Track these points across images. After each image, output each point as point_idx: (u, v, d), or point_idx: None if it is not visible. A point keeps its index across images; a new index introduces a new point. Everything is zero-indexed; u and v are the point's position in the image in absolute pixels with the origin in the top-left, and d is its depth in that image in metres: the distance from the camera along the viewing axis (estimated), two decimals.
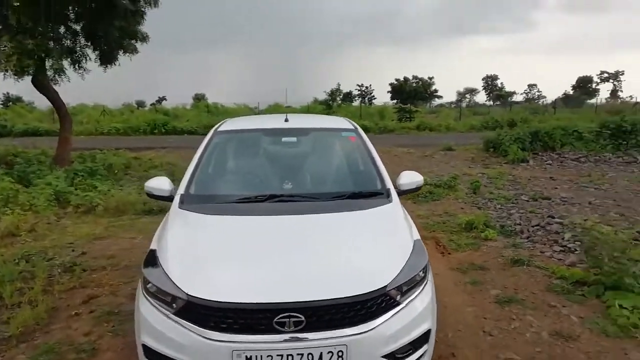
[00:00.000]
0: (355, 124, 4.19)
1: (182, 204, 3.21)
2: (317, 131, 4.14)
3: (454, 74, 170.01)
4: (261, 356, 2.28)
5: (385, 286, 2.46)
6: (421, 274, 2.66)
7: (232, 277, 2.49)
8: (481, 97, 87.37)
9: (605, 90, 77.50)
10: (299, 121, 4.29)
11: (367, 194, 3.33)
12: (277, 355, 2.28)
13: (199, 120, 27.15)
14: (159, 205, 7.88)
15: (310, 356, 2.29)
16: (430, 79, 74.17)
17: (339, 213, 3.04)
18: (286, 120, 4.08)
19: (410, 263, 2.65)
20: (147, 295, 2.59)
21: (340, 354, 2.31)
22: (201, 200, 3.26)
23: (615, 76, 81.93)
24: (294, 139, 3.93)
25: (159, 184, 3.55)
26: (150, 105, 48.02)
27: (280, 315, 2.29)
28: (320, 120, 4.65)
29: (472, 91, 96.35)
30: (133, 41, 11.80)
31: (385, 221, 3.07)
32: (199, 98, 63.73)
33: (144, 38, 11.90)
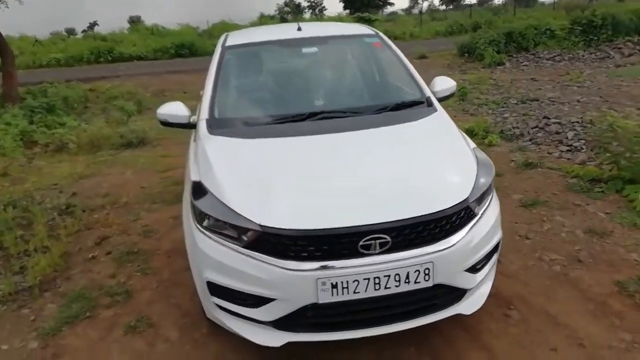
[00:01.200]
0: (375, 29, 3.81)
1: (212, 130, 2.85)
2: (338, 39, 3.73)
3: None
4: (347, 281, 2.11)
5: (467, 198, 2.30)
6: (491, 183, 2.51)
7: (305, 202, 2.24)
8: (434, 1, 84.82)
9: None
10: (313, 29, 3.85)
11: (409, 104, 3.07)
12: (364, 279, 2.12)
13: (147, 44, 25.14)
14: (139, 137, 7.37)
15: (397, 277, 2.15)
16: None
17: (390, 126, 2.78)
18: (299, 29, 3.64)
19: (480, 173, 2.49)
20: (204, 231, 2.32)
21: (426, 271, 2.17)
22: (233, 124, 2.90)
23: None
24: (314, 49, 3.52)
25: (175, 109, 3.14)
26: (82, 32, 43.90)
27: (366, 238, 2.10)
28: (335, 27, 4.22)
29: None
30: None
31: (441, 132, 2.85)
32: (134, 21, 59.17)
33: None
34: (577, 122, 6.50)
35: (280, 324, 2.23)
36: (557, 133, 6.19)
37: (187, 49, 21.90)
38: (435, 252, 2.19)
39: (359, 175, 2.39)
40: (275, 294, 2.16)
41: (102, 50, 21.94)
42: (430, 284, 2.20)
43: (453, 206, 2.23)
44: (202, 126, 2.91)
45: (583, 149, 5.51)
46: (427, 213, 2.17)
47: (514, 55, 13.14)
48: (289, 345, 2.24)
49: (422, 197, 2.25)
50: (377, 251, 2.13)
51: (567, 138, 5.88)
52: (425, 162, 2.52)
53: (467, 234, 2.29)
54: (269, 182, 2.37)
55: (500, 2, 61.25)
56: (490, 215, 2.45)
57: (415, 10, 75.17)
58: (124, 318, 2.97)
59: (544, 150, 5.66)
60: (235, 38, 3.63)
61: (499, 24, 18.32)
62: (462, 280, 2.33)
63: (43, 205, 4.77)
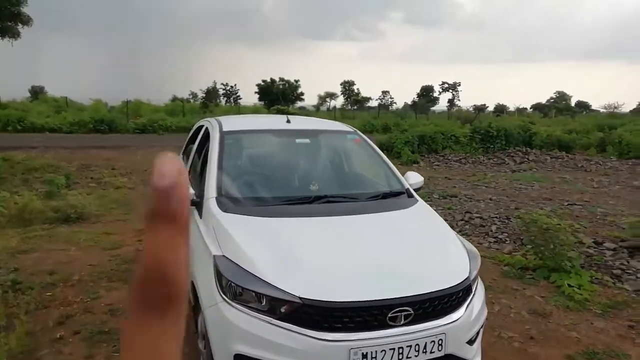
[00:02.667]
0: (353, 127, 4.34)
1: (223, 207, 3.02)
2: (325, 133, 4.18)
3: (312, 78, 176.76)
4: (376, 351, 2.33)
5: (468, 277, 2.69)
6: (479, 263, 2.95)
7: (339, 276, 2.48)
8: (340, 101, 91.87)
9: (445, 99, 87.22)
10: (301, 123, 4.28)
11: (395, 194, 3.52)
12: (390, 349, 2.35)
13: (62, 117, 24.17)
14: (77, 212, 7.04)
15: (417, 347, 2.41)
16: (297, 81, 76.24)
17: (387, 212, 3.18)
18: (288, 121, 4.05)
19: (470, 254, 2.92)
20: (235, 303, 2.43)
21: (440, 342, 2.47)
22: (243, 203, 3.10)
23: (453, 87, 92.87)
24: (307, 140, 3.92)
25: None
26: None
27: (394, 310, 2.37)
28: (319, 122, 4.68)
29: (332, 95, 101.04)
30: None
31: (430, 220, 3.30)
32: (37, 91, 56.69)
33: None
34: (496, 217, 7.44)
35: None
36: (482, 226, 7.03)
37: (106, 125, 21.37)
38: (447, 323, 2.51)
39: (378, 254, 2.71)
40: None
41: (12, 118, 20.65)
42: (442, 354, 2.48)
43: (460, 283, 2.61)
44: (213, 204, 3.07)
45: (507, 240, 6.32)
46: (442, 288, 2.52)
47: (426, 156, 14.72)
48: None
49: (435, 275, 2.61)
50: (401, 323, 2.40)
51: (491, 231, 6.72)
52: (428, 245, 2.92)
53: (467, 308, 2.65)
54: (298, 258, 2.59)
55: (397, 108, 68.35)
56: (480, 293, 2.86)
57: (323, 108, 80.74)
58: None
59: (474, 241, 6.38)
60: (229, 124, 3.91)
61: (404, 127, 20.37)
62: (465, 351, 2.64)
63: None
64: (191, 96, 70.20)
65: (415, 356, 2.41)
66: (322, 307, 2.32)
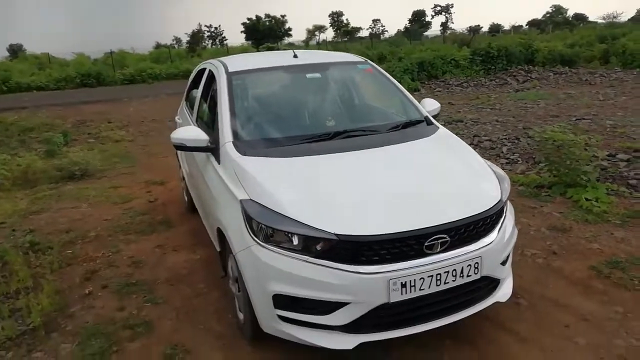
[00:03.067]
0: (363, 57, 4.14)
1: (242, 151, 2.91)
2: (335, 65, 3.98)
3: (299, 12, 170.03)
4: (415, 280, 2.31)
5: (501, 199, 2.63)
6: (509, 185, 2.89)
7: (372, 210, 2.42)
8: (329, 34, 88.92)
9: (437, 22, 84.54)
10: (308, 57, 4.07)
11: (414, 122, 3.40)
12: (428, 276, 2.34)
13: (47, 73, 23.42)
14: (82, 169, 6.95)
15: (454, 272, 2.39)
16: (283, 17, 73.55)
17: (411, 142, 3.07)
18: (295, 56, 3.84)
19: (499, 177, 2.85)
20: (268, 245, 2.39)
21: (476, 265, 2.45)
22: (263, 145, 2.99)
23: (446, 9, 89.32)
24: (318, 75, 3.73)
25: (193, 134, 3.17)
26: None
27: (431, 239, 2.33)
28: (326, 55, 4.46)
29: (321, 28, 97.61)
30: None
31: (453, 144, 3.21)
32: (15, 50, 54.91)
33: None
34: (505, 138, 7.35)
35: (351, 326, 2.35)
36: (492, 149, 6.95)
37: (94, 79, 20.78)
38: (482, 247, 2.48)
39: (408, 184, 2.63)
40: (349, 298, 2.29)
41: None
42: (479, 276, 2.47)
43: (493, 206, 2.56)
44: (230, 148, 2.95)
45: (519, 160, 6.27)
46: (476, 213, 2.47)
47: (426, 83, 14.39)
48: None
49: (468, 200, 2.55)
50: (438, 250, 2.37)
51: (502, 152, 6.65)
52: (457, 170, 2.84)
53: (500, 230, 2.62)
54: (328, 196, 2.51)
55: (389, 36, 66.34)
56: (510, 215, 2.82)
57: (313, 42, 78.38)
58: (156, 348, 2.87)
59: None
60: (235, 64, 3.72)
61: (400, 54, 19.81)
62: (499, 271, 2.64)
63: (2, 246, 4.35)
64: (175, 42, 68.08)
65: (453, 281, 2.40)
66: (359, 242, 2.27)
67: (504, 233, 2.64)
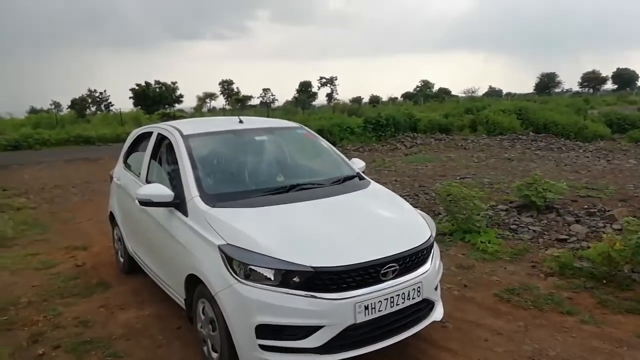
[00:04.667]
0: (299, 123, 4.78)
1: (211, 203, 3.27)
2: (278, 130, 4.54)
3: (189, 80, 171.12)
4: (374, 302, 2.83)
5: (431, 234, 3.31)
6: (433, 224, 3.59)
7: (338, 245, 2.92)
8: (220, 102, 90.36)
9: (323, 93, 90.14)
10: (253, 122, 4.59)
11: (350, 177, 4.03)
12: (384, 299, 2.87)
13: None
14: None
15: (403, 294, 2.96)
16: (174, 83, 73.43)
17: (351, 193, 3.68)
18: (240, 121, 4.35)
19: (426, 218, 3.55)
20: (248, 281, 2.76)
21: (418, 289, 3.04)
22: (228, 198, 3.37)
23: (331, 81, 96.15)
24: (265, 137, 4.25)
25: (158, 190, 3.47)
26: None
27: (385, 267, 2.88)
28: (269, 121, 4.98)
29: (212, 96, 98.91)
30: None
31: (386, 194, 3.89)
32: None
33: None
34: (407, 195, 8.37)
35: (325, 348, 2.76)
36: None
37: None
38: (422, 273, 3.10)
39: (360, 225, 3.20)
40: (324, 322, 2.73)
41: None
42: (420, 298, 3.07)
43: (427, 240, 3.22)
44: (198, 202, 3.31)
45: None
46: (417, 245, 3.10)
47: None
48: None
49: (410, 236, 3.18)
50: (391, 277, 2.93)
51: None
52: (395, 213, 3.50)
53: (432, 260, 3.27)
54: (298, 236, 2.98)
55: (278, 106, 69.40)
56: (437, 251, 3.50)
57: (204, 109, 78.90)
58: None
59: None
60: (187, 128, 4.09)
61: (296, 121, 21.02)
62: (433, 295, 3.26)
63: None
64: (53, 106, 64.32)
65: (402, 302, 2.96)
66: (332, 272, 2.75)
67: (435, 262, 3.30)
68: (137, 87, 67.60)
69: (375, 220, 3.38)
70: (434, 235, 3.42)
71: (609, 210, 6.65)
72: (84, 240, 6.48)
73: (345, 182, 3.93)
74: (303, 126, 4.70)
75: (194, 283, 3.22)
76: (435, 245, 3.50)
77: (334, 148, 4.48)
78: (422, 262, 3.16)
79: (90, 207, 8.65)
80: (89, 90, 68.72)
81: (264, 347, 2.78)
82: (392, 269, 2.92)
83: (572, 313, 3.91)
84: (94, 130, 22.51)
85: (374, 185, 4.00)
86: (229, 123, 4.42)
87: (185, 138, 3.89)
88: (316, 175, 4.08)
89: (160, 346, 3.60)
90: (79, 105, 54.58)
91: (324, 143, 4.51)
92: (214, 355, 3.11)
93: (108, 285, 4.84)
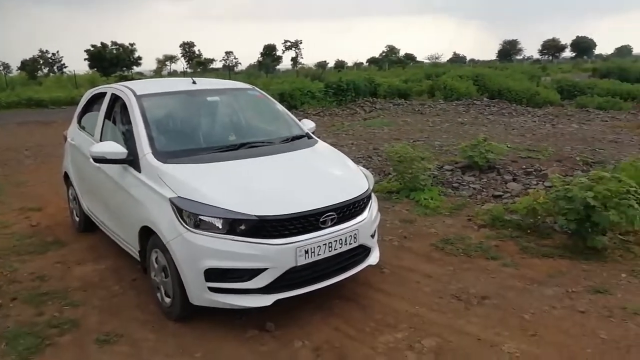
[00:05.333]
0: (251, 85, 4.94)
1: (163, 160, 3.45)
2: (230, 91, 4.71)
3: (148, 41, 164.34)
4: (314, 247, 3.13)
5: (369, 188, 3.62)
6: (373, 180, 3.90)
7: (281, 196, 3.18)
8: (181, 65, 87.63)
9: (288, 57, 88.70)
10: (206, 83, 4.72)
11: (299, 137, 4.27)
12: (323, 244, 3.17)
13: None
14: None
15: (341, 240, 3.27)
16: (132, 45, 70.47)
17: (301, 150, 3.94)
18: (194, 82, 4.47)
19: (366, 174, 3.86)
20: (197, 230, 3.00)
21: (355, 236, 3.37)
22: (180, 155, 3.56)
23: (295, 45, 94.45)
24: (217, 98, 4.41)
25: (111, 147, 3.62)
26: None
27: (325, 215, 3.17)
28: (221, 82, 5.10)
29: (172, 58, 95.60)
30: None
31: (331, 152, 4.18)
32: None
33: None
34: (361, 156, 8.71)
35: (269, 288, 3.06)
36: None
37: None
38: (358, 222, 3.41)
39: (303, 179, 3.48)
40: (267, 264, 3.01)
41: None
42: (357, 244, 3.39)
43: (364, 192, 3.52)
44: (151, 158, 3.48)
45: (374, 174, 7.56)
46: (353, 197, 3.40)
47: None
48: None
49: (348, 188, 3.47)
50: (329, 225, 3.22)
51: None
52: (337, 169, 3.79)
53: (369, 211, 3.59)
54: (244, 188, 3.23)
55: (242, 70, 68.11)
56: (374, 202, 3.82)
57: (164, 72, 76.47)
58: (88, 338, 3.20)
59: None
60: (141, 88, 4.19)
61: (258, 85, 21.01)
62: (369, 242, 3.59)
63: None
64: (2, 67, 60.95)
65: (340, 247, 3.28)
66: (274, 220, 3.02)
67: (372, 213, 3.62)
68: (92, 49, 64.49)
69: (317, 174, 3.66)
70: (371, 188, 3.72)
71: (543, 170, 7.18)
72: (38, 202, 6.51)
73: (294, 141, 4.16)
74: (255, 87, 4.87)
75: (147, 234, 3.43)
76: (373, 197, 3.81)
77: (285, 109, 4.69)
78: (359, 212, 3.47)
79: (44, 170, 8.58)
80: (41, 51, 65.12)
81: (212, 289, 3.05)
82: (330, 217, 3.22)
83: (496, 258, 4.36)
84: (46, 93, 21.72)
85: (320, 144, 4.25)
86: (183, 84, 4.53)
87: (139, 98, 4.01)
88: (266, 134, 4.29)
89: (116, 295, 3.82)
90: (30, 66, 52.02)
91: (276, 104, 4.70)
92: (167, 300, 3.36)
93: (64, 243, 4.97)
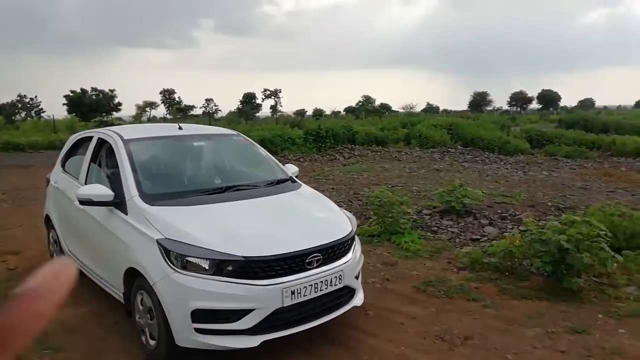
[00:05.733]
0: (236, 131, 5.09)
1: (149, 202, 3.51)
2: (215, 136, 4.84)
3: (128, 88, 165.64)
4: (300, 288, 3.19)
5: (352, 230, 3.72)
6: (356, 222, 4.02)
7: (267, 238, 3.25)
8: (161, 111, 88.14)
9: (267, 105, 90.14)
10: (192, 129, 4.85)
11: (283, 180, 4.39)
12: (309, 285, 3.23)
13: None
14: None
15: (326, 281, 3.34)
16: (112, 91, 70.87)
17: (284, 193, 4.04)
18: (180, 128, 4.60)
19: (349, 216, 3.97)
20: (185, 272, 3.03)
21: (340, 277, 3.44)
22: (166, 197, 3.62)
23: (275, 93, 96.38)
24: (203, 143, 4.53)
25: (98, 190, 3.66)
26: None
27: (310, 256, 3.25)
28: (206, 128, 5.23)
29: (152, 104, 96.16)
30: None
31: (315, 195, 4.28)
32: None
33: None
34: (342, 201, 8.85)
35: (255, 328, 3.08)
36: None
37: None
38: (343, 263, 3.50)
39: (288, 221, 3.57)
40: (254, 305, 3.05)
41: None
42: (342, 285, 3.46)
43: (348, 234, 3.63)
44: (138, 200, 3.53)
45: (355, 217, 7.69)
46: (338, 238, 3.50)
47: None
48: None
49: (333, 230, 3.57)
50: (315, 266, 3.30)
51: None
52: (321, 212, 3.89)
53: (353, 252, 3.68)
54: (231, 230, 3.30)
55: (222, 116, 68.91)
56: (358, 243, 3.92)
57: (144, 118, 76.66)
58: None
59: None
60: (128, 133, 4.29)
61: (239, 131, 21.30)
62: (354, 283, 3.67)
63: None
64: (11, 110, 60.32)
65: (325, 288, 3.34)
66: (261, 261, 3.08)
67: (356, 255, 3.72)
68: (71, 94, 64.52)
69: (302, 216, 3.76)
70: (354, 230, 3.83)
71: (518, 215, 7.43)
72: (16, 246, 6.38)
73: (278, 185, 4.28)
74: (240, 134, 5.02)
75: (132, 276, 3.43)
76: (356, 239, 3.92)
77: (269, 154, 4.84)
78: (344, 253, 3.56)
79: (22, 213, 8.43)
80: (19, 96, 64.94)
81: (199, 330, 3.05)
82: (316, 258, 3.30)
83: (477, 300, 4.46)
84: (24, 137, 21.47)
85: (304, 188, 4.38)
86: (169, 129, 4.66)
87: (126, 142, 4.10)
88: (251, 178, 4.41)
89: (99, 339, 3.76)
90: (7, 110, 51.60)
91: (260, 149, 4.85)
92: (152, 342, 3.33)
93: None
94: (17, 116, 52.51)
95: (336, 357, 3.48)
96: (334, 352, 3.54)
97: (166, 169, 4.20)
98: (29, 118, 56.35)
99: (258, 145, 4.93)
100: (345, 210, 4.18)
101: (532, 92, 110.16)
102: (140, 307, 3.41)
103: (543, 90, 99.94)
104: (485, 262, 5.33)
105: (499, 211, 7.71)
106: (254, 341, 3.08)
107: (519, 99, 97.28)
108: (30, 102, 69.17)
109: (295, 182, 4.49)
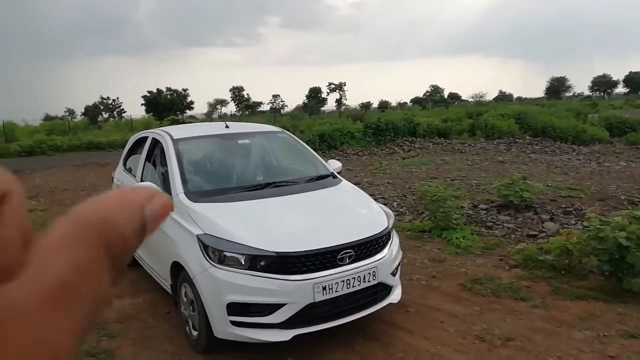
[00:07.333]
0: (281, 128, 5.22)
1: (193, 199, 3.71)
2: (260, 134, 5.00)
3: (200, 86, 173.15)
4: (332, 284, 3.23)
5: (388, 226, 3.70)
6: (393, 218, 3.99)
7: (300, 234, 3.33)
8: (231, 108, 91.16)
9: (332, 98, 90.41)
10: (238, 127, 5.05)
11: (324, 176, 4.45)
12: (341, 281, 3.27)
13: None
14: None
15: (359, 277, 3.35)
16: (185, 90, 74.38)
17: (323, 189, 4.10)
18: (227, 126, 4.79)
19: (387, 213, 3.95)
20: (222, 266, 3.18)
21: (373, 273, 3.44)
22: (210, 194, 3.81)
23: (339, 87, 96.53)
24: (247, 141, 4.71)
25: (149, 186, 3.90)
26: None
27: (342, 253, 3.29)
28: (252, 126, 5.45)
29: (222, 102, 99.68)
30: None
31: (355, 191, 4.30)
32: None
33: None
34: (396, 196, 8.76)
35: (287, 323, 3.17)
36: (385, 204, 8.24)
37: None
38: (377, 260, 3.49)
39: (323, 217, 3.62)
40: (286, 300, 3.13)
41: None
42: (376, 281, 3.46)
43: (383, 231, 3.61)
44: (183, 197, 3.74)
45: (406, 212, 7.60)
46: (373, 234, 3.49)
47: (327, 152, 15.96)
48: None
49: (367, 226, 3.58)
50: (347, 262, 3.33)
51: (393, 206, 7.96)
52: (357, 207, 3.91)
53: (389, 249, 3.66)
54: (266, 226, 3.41)
55: (288, 111, 70.09)
56: (395, 240, 3.89)
57: (215, 115, 79.75)
58: None
59: None
60: (177, 133, 4.54)
61: (301, 127, 21.61)
62: (390, 280, 3.65)
63: None
64: (67, 113, 65.66)
65: (358, 284, 3.35)
66: (292, 257, 3.16)
67: (392, 251, 3.69)
68: (148, 94, 68.56)
69: (337, 212, 3.79)
70: (390, 226, 3.80)
71: (584, 209, 6.97)
72: None
73: (318, 180, 4.34)
74: (284, 130, 5.13)
75: (178, 269, 3.65)
76: (394, 235, 3.89)
77: (312, 150, 4.90)
78: (378, 249, 3.55)
79: None
80: (102, 98, 69.90)
81: (234, 323, 3.19)
82: (348, 254, 3.33)
83: (526, 299, 4.27)
84: (105, 136, 23.21)
85: (344, 183, 4.41)
86: (216, 128, 4.86)
87: (175, 142, 4.34)
88: (292, 174, 4.50)
89: (149, 328, 4.03)
90: (91, 112, 55.85)
91: (303, 146, 4.93)
92: (194, 333, 3.53)
93: None
94: (100, 117, 56.57)
95: (371, 353, 3.49)
96: (368, 347, 3.56)
97: (211, 166, 4.40)
98: (111, 118, 60.63)
99: (302, 142, 5.00)
100: (383, 206, 4.16)
101: (618, 75, 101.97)
102: (185, 299, 3.62)
103: (630, 72, 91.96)
104: (541, 260, 5.08)
105: (563, 205, 7.28)
106: (286, 335, 3.17)
107: (602, 84, 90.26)
108: (112, 103, 74.30)
109: (336, 177, 4.53)
